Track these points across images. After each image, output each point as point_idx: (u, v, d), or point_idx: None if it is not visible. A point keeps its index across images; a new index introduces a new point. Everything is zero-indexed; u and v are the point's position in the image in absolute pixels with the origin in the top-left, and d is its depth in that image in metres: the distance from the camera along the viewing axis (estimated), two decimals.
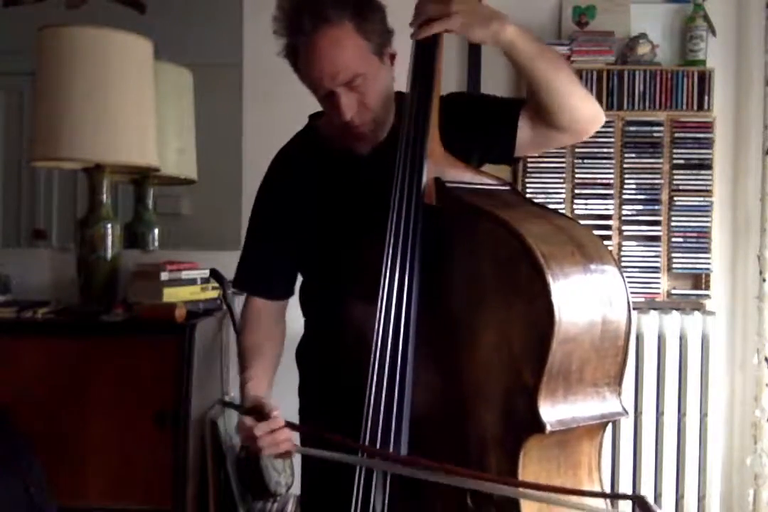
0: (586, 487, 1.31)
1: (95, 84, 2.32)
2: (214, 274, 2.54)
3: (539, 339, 1.20)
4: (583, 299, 1.25)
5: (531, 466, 1.24)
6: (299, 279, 1.71)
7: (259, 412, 1.37)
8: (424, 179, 1.37)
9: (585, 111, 1.47)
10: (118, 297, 2.46)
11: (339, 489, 1.39)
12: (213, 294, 2.57)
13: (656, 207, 2.80)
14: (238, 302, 2.56)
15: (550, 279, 1.20)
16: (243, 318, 1.66)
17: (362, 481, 1.35)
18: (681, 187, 2.80)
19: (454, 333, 1.32)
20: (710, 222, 2.79)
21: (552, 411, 1.22)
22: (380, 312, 1.35)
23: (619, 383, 1.32)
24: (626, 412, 1.32)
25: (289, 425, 1.39)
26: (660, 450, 2.73)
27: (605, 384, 1.29)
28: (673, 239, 2.79)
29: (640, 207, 2.80)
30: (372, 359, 1.35)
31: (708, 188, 2.79)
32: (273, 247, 1.64)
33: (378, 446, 1.33)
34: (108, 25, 2.38)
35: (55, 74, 2.33)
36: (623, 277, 1.32)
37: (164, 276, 2.41)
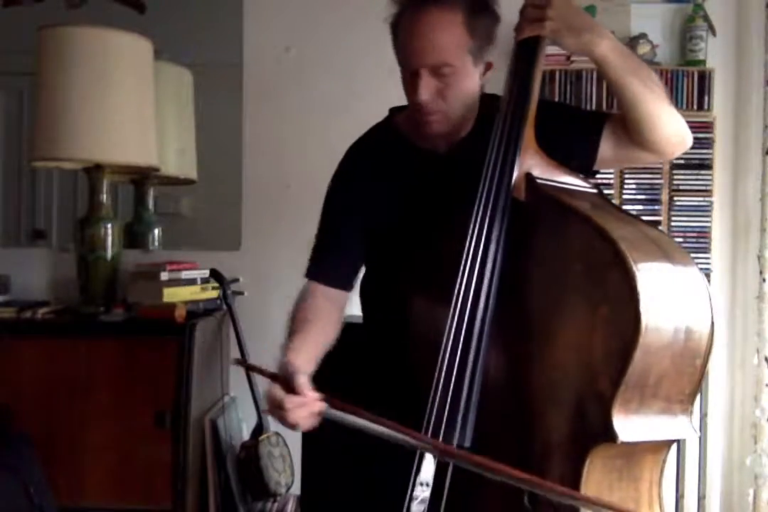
0: (644, 502, 1.28)
1: (95, 84, 2.32)
2: (214, 274, 2.54)
3: (622, 347, 1.17)
4: (669, 310, 1.22)
5: (594, 474, 1.22)
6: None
7: (287, 383, 1.25)
8: (516, 173, 1.35)
9: (671, 132, 1.45)
10: (118, 297, 2.46)
11: (342, 489, 1.37)
12: (213, 294, 2.57)
13: (656, 207, 2.80)
14: (239, 302, 2.59)
15: (640, 287, 1.17)
16: (298, 296, 1.58)
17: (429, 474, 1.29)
18: (681, 187, 2.80)
19: (531, 332, 1.29)
20: (710, 222, 2.78)
21: (624, 422, 1.19)
22: (455, 305, 1.32)
23: (692, 402, 1.28)
24: (696, 432, 1.29)
25: (327, 400, 1.26)
26: None
27: (678, 402, 1.26)
28: (673, 239, 2.79)
29: (640, 207, 2.80)
30: (442, 352, 1.32)
31: (708, 188, 2.79)
32: (342, 236, 1.60)
33: (441, 439, 1.28)
34: (108, 25, 2.38)
35: (55, 74, 2.33)
36: (708, 290, 1.27)
37: (164, 276, 2.41)
